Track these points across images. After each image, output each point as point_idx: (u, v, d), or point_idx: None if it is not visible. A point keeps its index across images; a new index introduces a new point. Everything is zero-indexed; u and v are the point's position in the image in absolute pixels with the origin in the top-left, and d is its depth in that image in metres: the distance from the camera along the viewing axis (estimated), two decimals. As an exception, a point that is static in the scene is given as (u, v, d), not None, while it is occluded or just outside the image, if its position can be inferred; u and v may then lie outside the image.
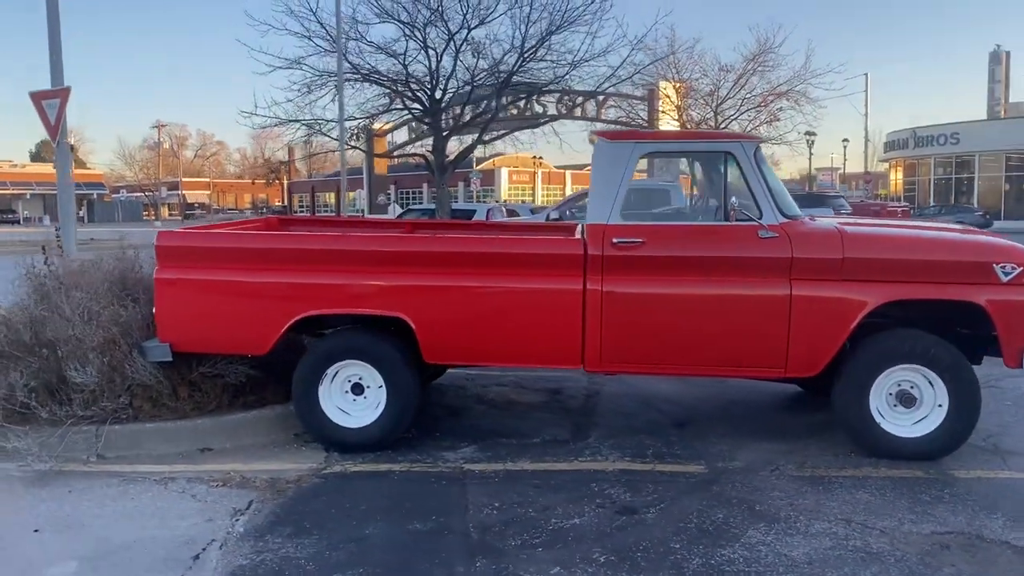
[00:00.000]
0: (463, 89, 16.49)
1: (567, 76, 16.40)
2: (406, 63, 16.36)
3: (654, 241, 5.37)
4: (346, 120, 17.40)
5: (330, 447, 5.65)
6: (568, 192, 66.69)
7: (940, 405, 5.28)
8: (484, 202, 41.51)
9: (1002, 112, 59.11)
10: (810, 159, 40.63)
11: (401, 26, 15.75)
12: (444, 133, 16.89)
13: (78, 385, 5.49)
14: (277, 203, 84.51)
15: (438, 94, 16.24)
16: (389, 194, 56.16)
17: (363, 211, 55.17)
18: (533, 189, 63.37)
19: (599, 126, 22.92)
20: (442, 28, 15.58)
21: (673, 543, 4.13)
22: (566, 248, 5.43)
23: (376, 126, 19.96)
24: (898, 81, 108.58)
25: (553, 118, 19.99)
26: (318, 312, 5.49)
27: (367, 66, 16.55)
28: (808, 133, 37.34)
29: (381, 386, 5.58)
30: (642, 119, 29.22)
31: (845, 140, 40.75)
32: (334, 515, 4.56)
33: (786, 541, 4.14)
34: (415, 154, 18.37)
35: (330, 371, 5.60)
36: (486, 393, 7.16)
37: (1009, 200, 43.55)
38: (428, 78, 16.35)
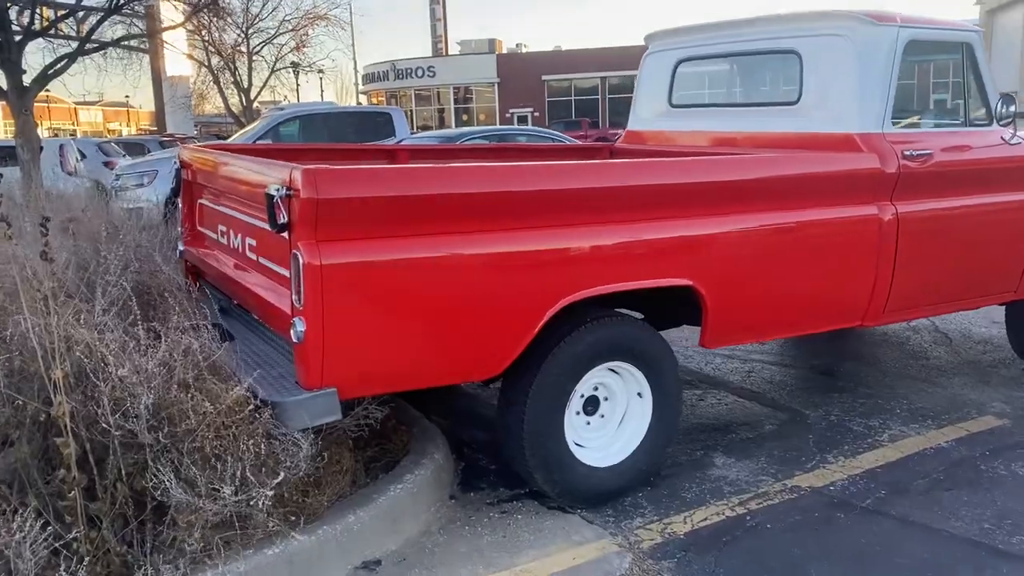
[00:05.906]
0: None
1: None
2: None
3: (941, 152, 4.32)
4: None
5: (572, 502, 3.56)
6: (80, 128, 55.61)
7: None
8: None
9: (444, 48, 64.18)
10: (297, 90, 39.65)
11: None
12: (18, 39, 12.04)
13: (184, 503, 2.50)
14: None
15: None
16: None
17: None
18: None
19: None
20: None
21: None
22: (861, 163, 4.05)
23: None
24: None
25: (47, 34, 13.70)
26: (596, 291, 3.31)
27: None
28: (294, 64, 36.16)
29: (641, 395, 3.65)
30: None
31: (321, 72, 40.42)
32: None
33: None
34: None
35: (579, 384, 3.47)
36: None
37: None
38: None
